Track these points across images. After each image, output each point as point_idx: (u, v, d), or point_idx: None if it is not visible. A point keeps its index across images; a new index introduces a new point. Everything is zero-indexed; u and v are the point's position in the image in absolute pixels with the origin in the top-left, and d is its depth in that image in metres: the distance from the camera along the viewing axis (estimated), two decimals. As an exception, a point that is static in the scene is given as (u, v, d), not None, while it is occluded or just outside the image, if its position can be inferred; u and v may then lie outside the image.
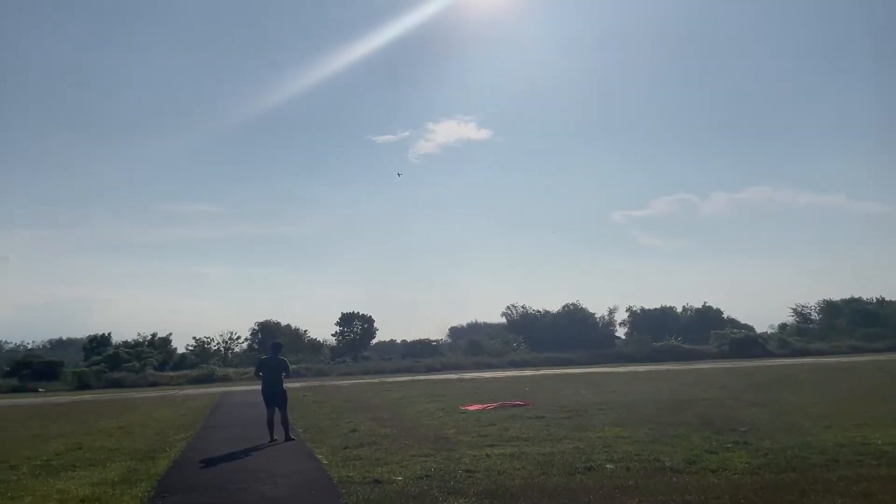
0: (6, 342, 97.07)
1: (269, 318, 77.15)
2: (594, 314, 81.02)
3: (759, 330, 75.75)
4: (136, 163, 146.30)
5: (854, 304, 77.10)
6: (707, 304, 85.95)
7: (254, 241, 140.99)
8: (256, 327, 76.16)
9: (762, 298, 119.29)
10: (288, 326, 78.08)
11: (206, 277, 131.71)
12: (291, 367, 15.60)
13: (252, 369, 58.30)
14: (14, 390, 48.35)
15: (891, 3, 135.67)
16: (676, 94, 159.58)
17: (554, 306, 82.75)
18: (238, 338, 74.58)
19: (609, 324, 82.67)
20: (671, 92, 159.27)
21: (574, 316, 79.51)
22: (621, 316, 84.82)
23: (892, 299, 78.32)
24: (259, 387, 14.80)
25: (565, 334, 74.05)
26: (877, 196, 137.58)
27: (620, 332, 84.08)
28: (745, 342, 65.01)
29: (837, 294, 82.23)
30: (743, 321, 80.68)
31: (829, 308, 78.93)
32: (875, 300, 77.57)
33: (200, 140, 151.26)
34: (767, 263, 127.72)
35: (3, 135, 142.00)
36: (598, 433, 13.29)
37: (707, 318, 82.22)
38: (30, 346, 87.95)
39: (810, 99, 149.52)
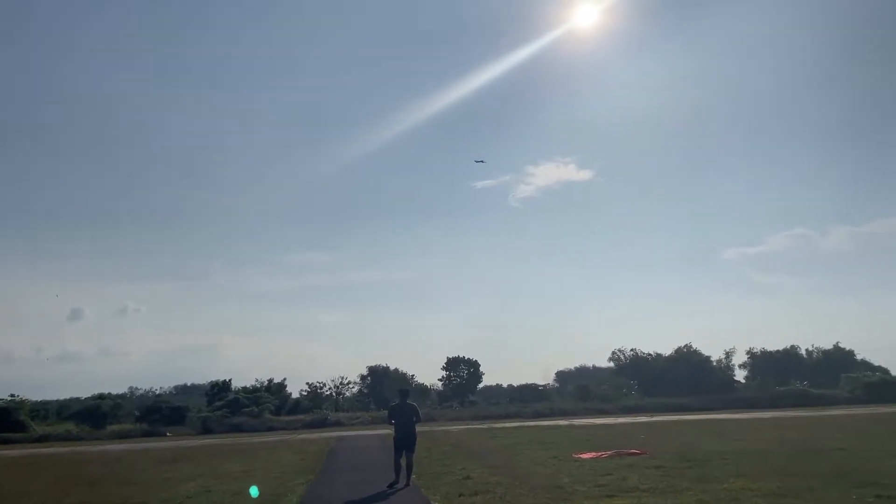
0: (137, 388, 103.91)
1: (378, 363, 78.71)
2: (709, 357, 77.30)
3: (895, 373, 69.67)
4: (251, 214, 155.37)
5: None
6: (837, 345, 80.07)
7: (363, 287, 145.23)
8: (366, 372, 77.80)
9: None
10: (396, 371, 79.25)
11: (318, 323, 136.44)
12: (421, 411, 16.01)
13: (362, 414, 59.86)
14: (145, 434, 51.48)
15: None
16: (782, 125, 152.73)
17: (665, 349, 79.60)
18: (349, 382, 76.38)
19: (727, 367, 78.48)
20: (777, 123, 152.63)
21: (688, 359, 76.09)
22: (740, 358, 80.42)
23: None
24: (384, 431, 15.33)
25: (679, 378, 70.88)
26: None
27: (739, 375, 79.62)
28: (880, 386, 59.97)
29: None
30: (877, 363, 74.51)
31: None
32: None
33: (310, 189, 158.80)
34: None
35: (134, 194, 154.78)
36: (723, 485, 12.69)
37: (836, 360, 76.51)
38: (158, 392, 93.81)
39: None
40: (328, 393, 74.16)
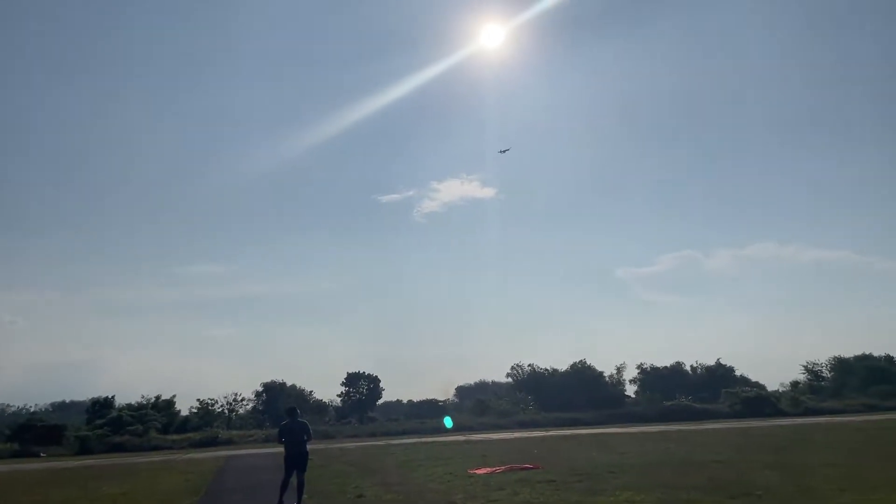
0: (10, 406, 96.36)
1: (273, 379, 76.58)
2: (602, 373, 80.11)
3: (770, 388, 74.61)
4: (141, 224, 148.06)
5: (865, 360, 76.09)
6: (719, 362, 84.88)
7: (259, 301, 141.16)
8: (261, 388, 75.47)
9: (773, 355, 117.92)
10: (293, 387, 77.35)
11: (211, 337, 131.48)
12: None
13: (255, 432, 57.87)
14: (15, 455, 47.67)
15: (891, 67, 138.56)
16: (678, 153, 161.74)
17: (561, 365, 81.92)
18: (242, 399, 73.85)
19: (618, 382, 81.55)
20: (672, 151, 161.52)
21: (582, 374, 78.52)
22: (631, 374, 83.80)
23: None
24: (275, 450, 14.83)
25: (574, 393, 72.98)
26: (883, 251, 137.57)
27: (630, 390, 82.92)
28: (756, 401, 63.93)
29: (848, 351, 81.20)
30: (754, 379, 79.57)
31: (840, 365, 77.86)
32: (884, 357, 76.61)
33: (204, 201, 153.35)
34: (776, 319, 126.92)
35: (9, 196, 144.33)
36: (610, 497, 13.06)
37: (718, 376, 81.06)
38: (33, 410, 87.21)
39: (813, 155, 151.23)
40: (220, 410, 71.35)
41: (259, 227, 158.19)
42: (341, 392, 79.01)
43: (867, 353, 77.64)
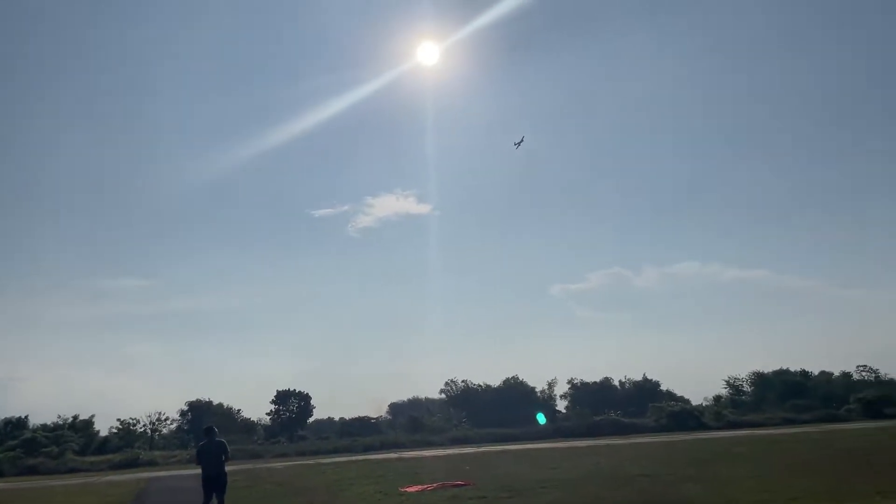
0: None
1: (199, 398, 74.18)
2: (534, 388, 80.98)
3: (695, 402, 77.08)
4: (58, 236, 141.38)
5: (783, 375, 79.51)
6: (646, 377, 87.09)
7: (185, 317, 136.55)
8: (186, 407, 73.00)
9: (698, 370, 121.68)
10: (220, 406, 75.17)
11: (133, 355, 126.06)
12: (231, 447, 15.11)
13: (180, 452, 55.81)
14: (-85, 480, 44.53)
15: (803, 89, 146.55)
16: (610, 171, 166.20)
17: (495, 381, 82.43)
18: (166, 419, 71.30)
19: (549, 397, 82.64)
20: (605, 168, 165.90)
21: (515, 390, 79.25)
22: (562, 389, 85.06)
23: (815, 371, 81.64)
24: (199, 471, 14.34)
25: (506, 409, 73.54)
26: (799, 270, 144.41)
27: (561, 405, 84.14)
28: (682, 415, 65.80)
29: (767, 366, 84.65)
30: (680, 393, 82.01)
31: (759, 380, 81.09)
32: (799, 372, 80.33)
33: (127, 213, 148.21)
34: (700, 335, 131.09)
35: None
36: (540, 514, 13.09)
37: (646, 391, 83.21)
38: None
39: (734, 177, 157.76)
40: (142, 430, 68.66)
41: (187, 240, 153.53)
42: (271, 410, 77.21)
43: (784, 368, 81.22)
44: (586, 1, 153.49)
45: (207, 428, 15.00)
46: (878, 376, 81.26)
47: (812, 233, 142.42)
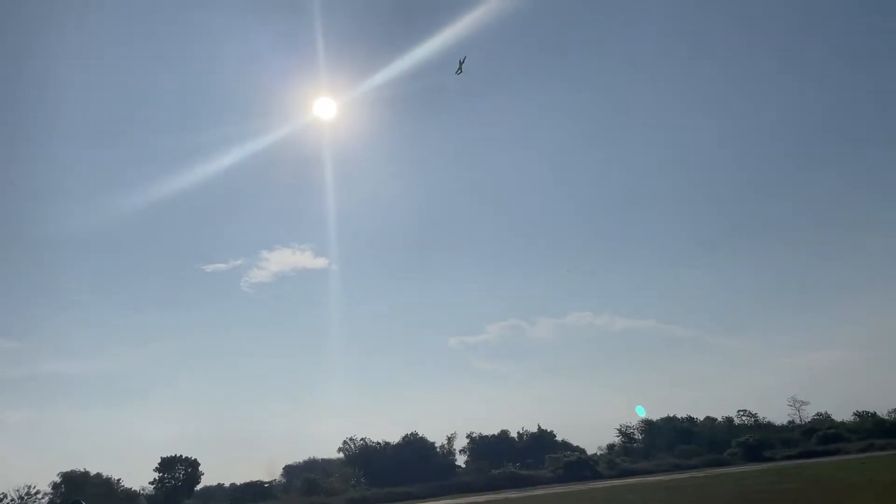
0: None
1: (75, 468, 68.41)
2: (434, 443, 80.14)
3: (590, 451, 78.77)
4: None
5: (671, 422, 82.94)
6: (542, 428, 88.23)
7: (60, 380, 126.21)
8: (59, 479, 67.09)
9: (591, 420, 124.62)
10: (98, 476, 69.58)
11: (1, 422, 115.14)
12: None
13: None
14: None
15: (683, 148, 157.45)
16: (504, 224, 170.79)
17: (394, 437, 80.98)
18: (37, 492, 65.15)
19: (449, 452, 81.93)
20: (499, 222, 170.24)
21: (414, 446, 78.08)
22: (461, 443, 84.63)
23: (701, 417, 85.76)
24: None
25: (406, 466, 72.25)
26: (683, 321, 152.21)
27: (461, 459, 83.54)
28: (577, 465, 67.02)
29: (656, 413, 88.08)
30: (575, 443, 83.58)
31: (649, 427, 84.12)
32: (686, 418, 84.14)
33: None
34: (593, 384, 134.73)
35: None
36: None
37: (542, 442, 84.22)
38: None
39: (621, 231, 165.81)
40: (9, 505, 62.36)
41: (63, 296, 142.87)
42: (154, 479, 72.13)
43: (672, 415, 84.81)
44: (484, 63, 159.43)
45: (74, 501, 13.85)
46: (758, 420, 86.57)
47: (695, 283, 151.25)
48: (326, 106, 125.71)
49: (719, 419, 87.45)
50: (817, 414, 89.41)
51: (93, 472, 69.69)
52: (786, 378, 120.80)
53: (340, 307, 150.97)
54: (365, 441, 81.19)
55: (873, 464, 41.11)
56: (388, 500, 55.89)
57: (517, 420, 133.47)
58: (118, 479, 71.04)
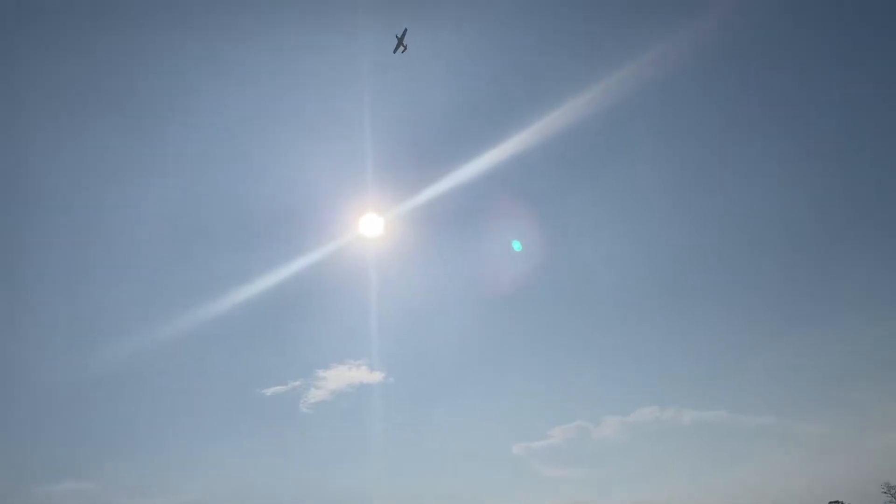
0: None
1: None
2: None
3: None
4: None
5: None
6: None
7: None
8: None
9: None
10: None
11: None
12: None
13: None
14: None
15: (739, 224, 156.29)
16: (559, 329, 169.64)
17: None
18: None
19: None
20: (554, 327, 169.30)
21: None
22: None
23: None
24: None
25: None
26: (755, 410, 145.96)
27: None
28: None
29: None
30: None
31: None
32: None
33: (56, 400, 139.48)
34: (667, 481, 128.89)
35: None
36: None
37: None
38: None
39: (688, 323, 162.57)
40: None
41: (127, 433, 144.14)
42: None
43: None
44: (519, 178, 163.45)
45: None
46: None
47: (765, 370, 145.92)
48: (372, 222, 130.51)
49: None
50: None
51: None
52: (878, 461, 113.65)
53: (399, 419, 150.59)
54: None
55: None
56: None
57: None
58: None
